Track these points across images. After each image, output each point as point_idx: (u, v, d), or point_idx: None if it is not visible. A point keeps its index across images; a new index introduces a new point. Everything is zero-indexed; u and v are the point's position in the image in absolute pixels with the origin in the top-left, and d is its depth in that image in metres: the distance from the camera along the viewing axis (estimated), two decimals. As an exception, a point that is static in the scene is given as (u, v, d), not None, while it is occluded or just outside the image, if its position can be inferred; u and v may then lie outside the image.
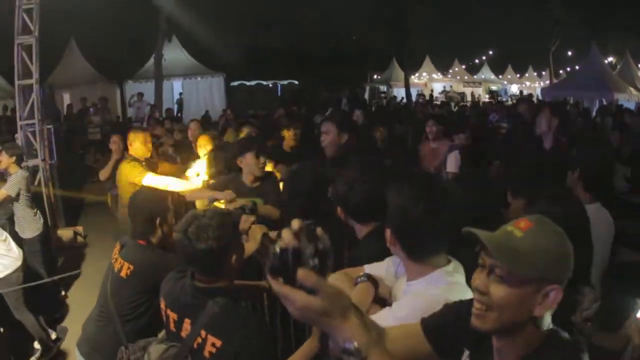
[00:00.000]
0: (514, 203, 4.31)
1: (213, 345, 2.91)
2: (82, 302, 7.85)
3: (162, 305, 3.33)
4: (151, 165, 7.57)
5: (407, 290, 2.74)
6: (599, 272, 4.27)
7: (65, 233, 10.90)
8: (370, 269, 3.13)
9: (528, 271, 1.87)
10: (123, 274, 4.03)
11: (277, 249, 1.69)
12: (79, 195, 12.79)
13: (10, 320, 6.87)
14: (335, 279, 3.11)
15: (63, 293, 8.59)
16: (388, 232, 2.74)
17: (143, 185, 6.50)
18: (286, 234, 1.73)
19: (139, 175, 6.91)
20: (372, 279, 2.93)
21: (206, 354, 2.92)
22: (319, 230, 1.77)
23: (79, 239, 11.01)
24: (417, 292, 2.67)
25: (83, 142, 18.48)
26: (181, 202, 7.40)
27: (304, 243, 1.71)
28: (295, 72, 41.49)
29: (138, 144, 7.31)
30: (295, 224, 1.75)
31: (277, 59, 40.68)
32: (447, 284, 2.60)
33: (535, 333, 1.95)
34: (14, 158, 7.86)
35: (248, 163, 5.83)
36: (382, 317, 2.56)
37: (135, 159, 7.22)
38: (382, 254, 3.15)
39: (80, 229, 11.22)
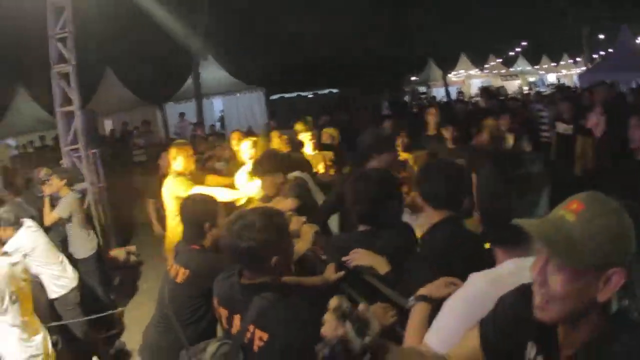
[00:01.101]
0: None
1: (261, 339, 2.95)
2: (138, 317, 7.98)
3: (215, 304, 3.41)
4: (196, 179, 7.58)
5: None
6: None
7: (119, 253, 11.04)
8: None
9: (585, 261, 1.76)
10: (179, 279, 4.10)
11: (326, 351, 1.71)
12: (129, 215, 12.96)
13: (69, 336, 6.99)
14: None
15: (119, 309, 8.71)
16: (476, 216, 2.68)
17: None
18: (330, 323, 1.75)
19: (186, 190, 6.91)
20: (427, 299, 2.85)
21: (255, 348, 2.97)
22: (362, 310, 1.79)
23: (132, 258, 11.14)
24: (472, 279, 2.60)
25: (129, 165, 18.73)
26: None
27: (351, 335, 1.74)
28: (334, 81, 41.50)
29: (182, 158, 7.30)
30: (334, 302, 1.78)
31: (315, 70, 40.77)
32: (515, 266, 2.46)
33: (602, 317, 1.83)
34: (64, 181, 8.00)
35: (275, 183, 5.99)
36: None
37: (181, 174, 7.24)
38: (451, 242, 3.23)
39: (132, 248, 11.36)
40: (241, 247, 3.03)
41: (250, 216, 3.12)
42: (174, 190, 7.06)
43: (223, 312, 3.30)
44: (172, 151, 7.37)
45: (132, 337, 7.65)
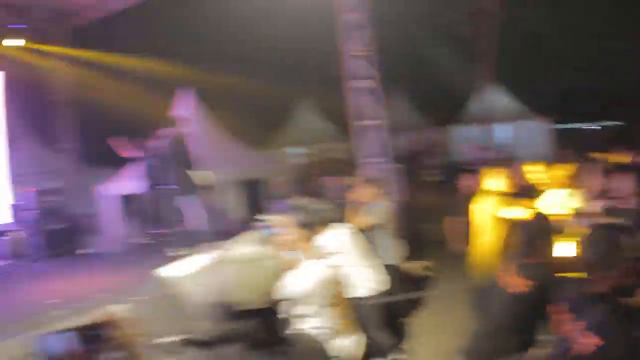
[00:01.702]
0: None
1: (594, 345, 3.10)
2: (429, 327, 8.43)
3: (558, 310, 3.58)
4: (512, 200, 7.71)
5: None
6: None
7: (414, 266, 11.37)
8: None
9: None
10: (515, 290, 4.30)
11: None
12: (420, 231, 13.26)
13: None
14: None
15: (409, 318, 9.01)
16: None
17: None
18: None
19: (499, 208, 7.10)
20: None
21: (587, 353, 3.12)
22: None
23: (427, 272, 11.43)
24: None
25: (419, 183, 19.11)
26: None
27: None
28: (615, 113, 39.33)
29: (499, 179, 7.51)
30: None
31: (598, 101, 38.96)
32: None
33: None
34: (380, 190, 8.47)
35: None
36: None
37: (496, 193, 7.42)
38: None
39: (427, 263, 11.65)
40: (583, 260, 3.28)
41: (596, 233, 3.33)
42: (496, 209, 7.22)
43: (566, 318, 3.47)
44: (490, 172, 7.60)
45: (420, 347, 7.89)
